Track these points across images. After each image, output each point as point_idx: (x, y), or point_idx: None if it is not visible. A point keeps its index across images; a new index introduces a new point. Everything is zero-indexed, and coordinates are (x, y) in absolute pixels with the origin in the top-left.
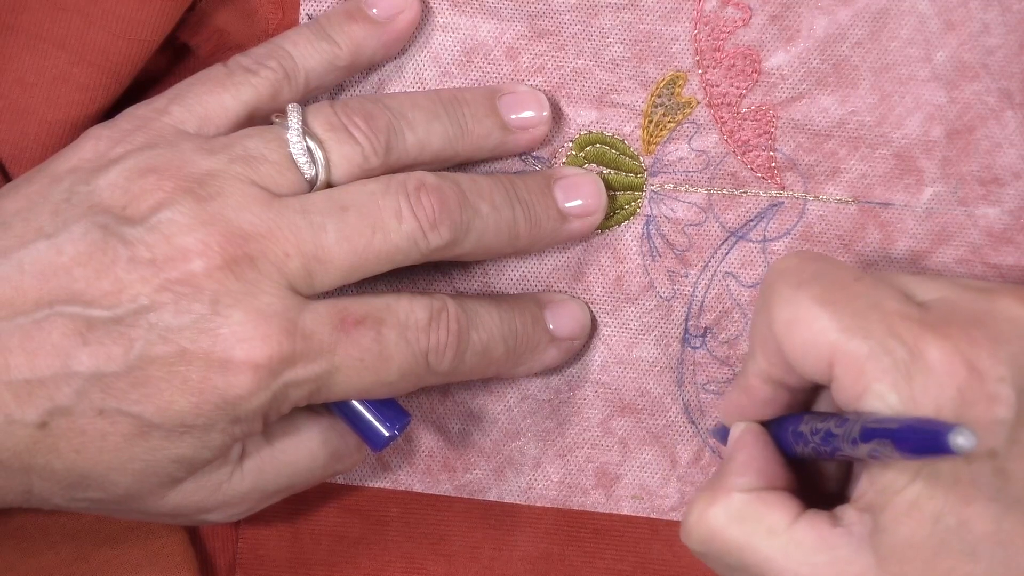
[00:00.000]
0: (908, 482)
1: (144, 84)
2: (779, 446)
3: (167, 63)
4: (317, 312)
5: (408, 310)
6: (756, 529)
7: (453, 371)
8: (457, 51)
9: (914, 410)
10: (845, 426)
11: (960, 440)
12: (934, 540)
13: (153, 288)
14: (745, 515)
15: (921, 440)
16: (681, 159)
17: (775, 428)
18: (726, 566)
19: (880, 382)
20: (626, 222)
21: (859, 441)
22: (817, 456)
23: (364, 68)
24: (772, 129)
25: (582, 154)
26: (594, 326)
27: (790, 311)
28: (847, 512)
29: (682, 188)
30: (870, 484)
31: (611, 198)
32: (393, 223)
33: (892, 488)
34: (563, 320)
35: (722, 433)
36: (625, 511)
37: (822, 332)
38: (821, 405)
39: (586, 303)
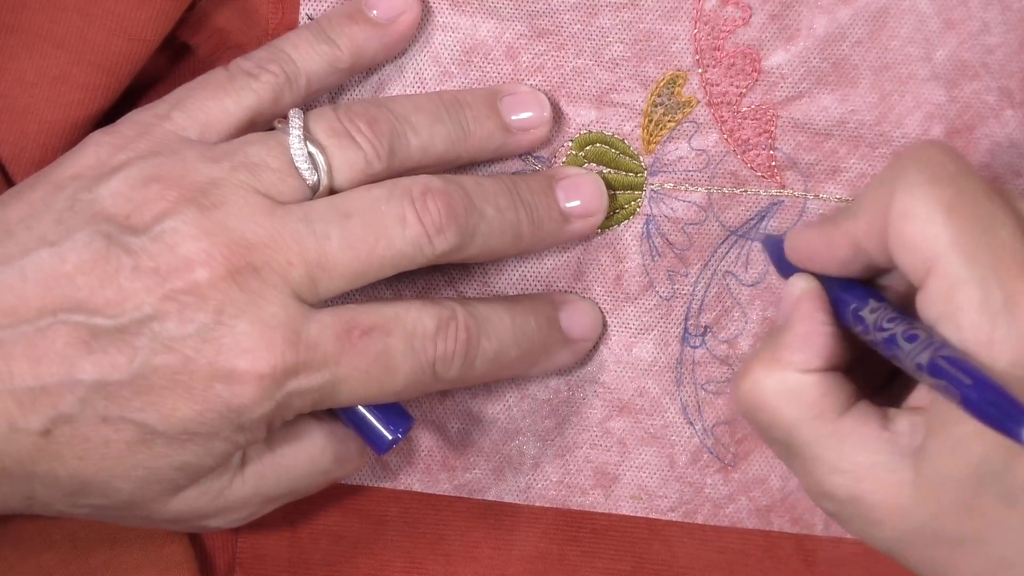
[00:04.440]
0: (964, 417)
1: (144, 84)
2: (834, 310)
3: (167, 63)
4: (322, 322)
5: (416, 319)
6: (807, 412)
7: (462, 378)
8: (457, 51)
9: (988, 357)
10: (914, 343)
11: None
12: (975, 479)
13: (157, 297)
14: (798, 395)
15: (992, 412)
16: (681, 158)
17: (835, 291)
18: (770, 437)
19: (965, 315)
20: (626, 221)
21: (924, 370)
22: (870, 345)
23: (365, 70)
24: (772, 128)
25: (582, 153)
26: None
27: (912, 203)
28: (899, 419)
29: (682, 187)
30: (928, 400)
31: (611, 197)
32: (397, 229)
33: (947, 417)
34: (577, 321)
35: (775, 250)
36: (624, 511)
37: (934, 238)
38: (888, 278)
39: (596, 303)
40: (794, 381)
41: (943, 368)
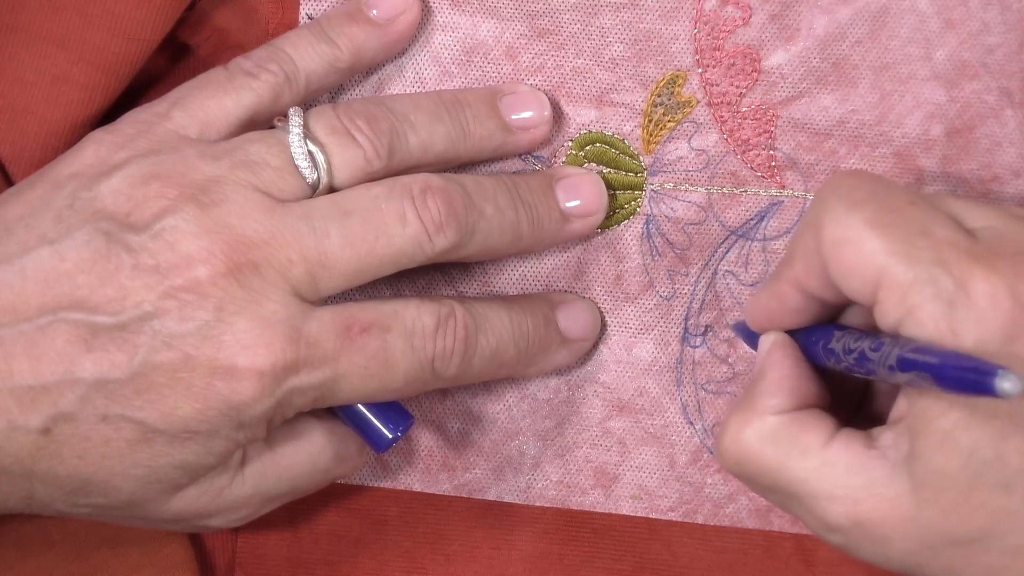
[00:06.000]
0: (944, 410)
1: (144, 84)
2: (809, 357)
3: (167, 63)
4: (322, 319)
5: (415, 316)
6: (790, 451)
7: (460, 376)
8: (457, 51)
9: (954, 342)
10: (881, 351)
11: (1006, 385)
12: (968, 472)
13: (157, 295)
14: (778, 437)
15: (963, 378)
16: (681, 158)
17: (804, 339)
18: (762, 487)
19: (922, 310)
20: (626, 221)
21: (896, 369)
22: (850, 373)
23: (365, 69)
24: (772, 128)
25: (582, 153)
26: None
27: (841, 231)
28: (883, 434)
29: (682, 187)
30: (907, 407)
31: (611, 197)
32: (397, 227)
33: (928, 415)
34: (574, 321)
35: (744, 331)
36: (624, 511)
37: (871, 255)
38: (850, 316)
39: (595, 303)
40: (773, 424)
41: (911, 359)
